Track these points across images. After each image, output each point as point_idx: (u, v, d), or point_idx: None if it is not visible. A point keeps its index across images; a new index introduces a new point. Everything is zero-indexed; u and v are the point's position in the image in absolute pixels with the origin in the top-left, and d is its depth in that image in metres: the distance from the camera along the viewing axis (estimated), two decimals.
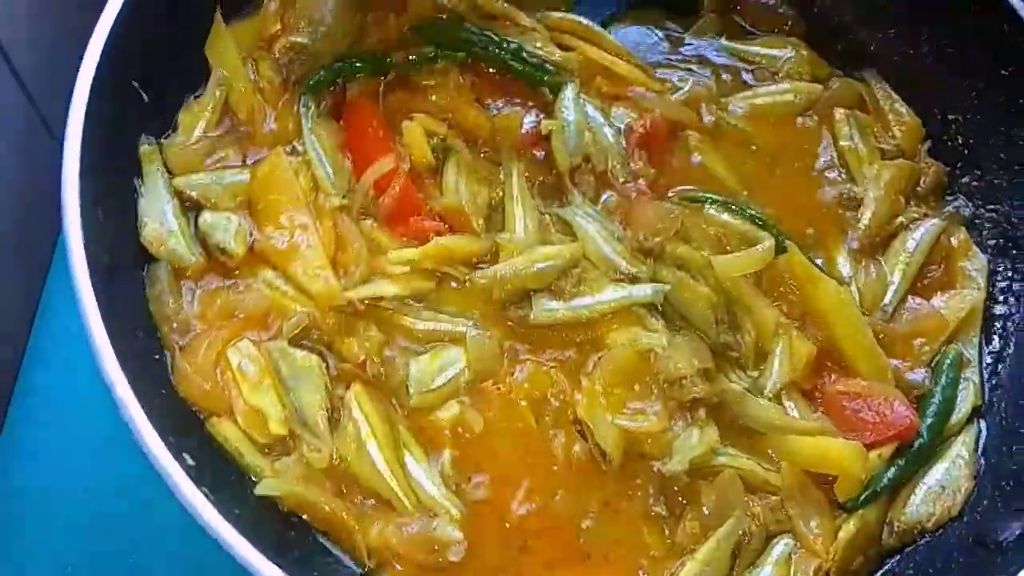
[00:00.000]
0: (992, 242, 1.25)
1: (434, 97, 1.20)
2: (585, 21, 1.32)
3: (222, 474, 0.96)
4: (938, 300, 1.20)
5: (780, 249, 1.14)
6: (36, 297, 1.26)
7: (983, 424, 1.14)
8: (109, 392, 0.86)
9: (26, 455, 1.17)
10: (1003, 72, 1.23)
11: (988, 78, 1.25)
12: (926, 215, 1.25)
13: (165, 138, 1.12)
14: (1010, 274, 1.23)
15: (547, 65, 1.25)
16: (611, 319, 1.09)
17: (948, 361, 1.14)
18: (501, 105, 1.24)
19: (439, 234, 1.11)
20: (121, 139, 1.01)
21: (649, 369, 1.06)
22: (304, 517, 0.98)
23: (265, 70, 1.16)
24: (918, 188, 1.28)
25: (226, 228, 1.08)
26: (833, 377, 1.11)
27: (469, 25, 1.25)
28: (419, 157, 1.15)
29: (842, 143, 1.29)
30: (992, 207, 1.26)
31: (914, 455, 1.08)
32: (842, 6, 1.39)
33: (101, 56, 0.97)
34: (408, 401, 1.04)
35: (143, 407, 0.86)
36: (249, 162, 1.13)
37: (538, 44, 1.26)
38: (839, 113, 1.31)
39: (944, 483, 1.07)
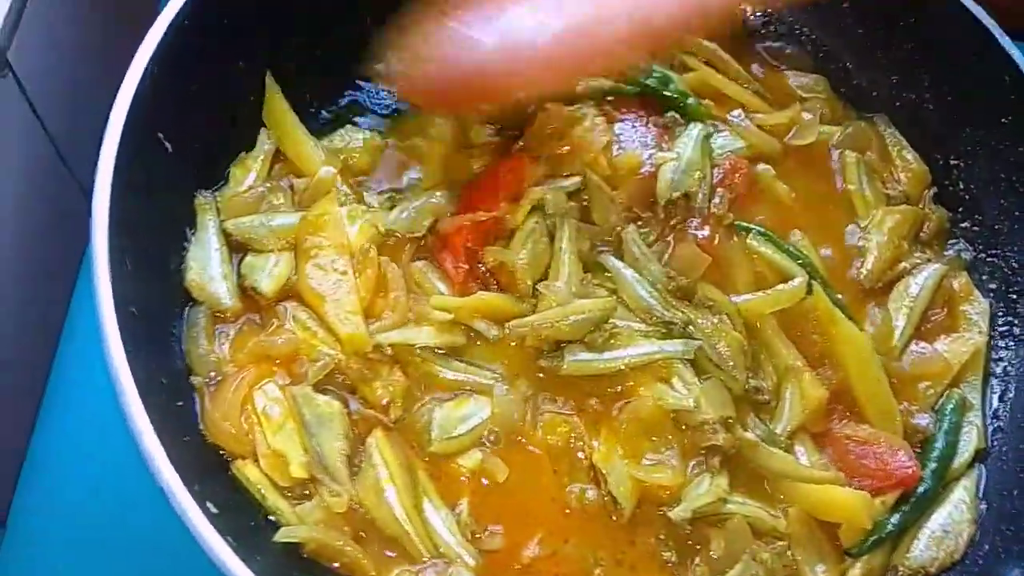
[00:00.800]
0: (993, 286, 1.27)
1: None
2: (710, 44, 1.34)
3: (244, 520, 0.98)
4: (941, 344, 1.21)
5: (809, 289, 1.14)
6: (53, 346, 1.27)
7: (984, 468, 1.15)
8: (129, 436, 0.87)
9: (45, 499, 1.18)
10: (1003, 120, 1.25)
11: (989, 126, 1.27)
12: (929, 260, 1.26)
13: (216, 190, 1.15)
14: (1010, 318, 1.25)
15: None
16: (641, 372, 1.08)
17: (951, 405, 1.15)
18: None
19: (461, 282, 1.11)
20: (149, 191, 1.03)
21: (673, 425, 1.07)
22: (324, 563, 0.99)
23: None
24: (921, 233, 1.29)
25: (263, 268, 1.10)
26: (842, 420, 1.12)
27: None
28: (511, 221, 1.15)
29: (850, 187, 1.30)
30: (993, 252, 1.28)
31: (918, 501, 1.09)
32: (845, 51, 1.41)
33: (129, 109, 0.98)
34: (429, 447, 1.05)
35: (170, 458, 0.87)
36: (301, 207, 1.15)
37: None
38: (851, 156, 1.32)
39: (947, 527, 1.08)
